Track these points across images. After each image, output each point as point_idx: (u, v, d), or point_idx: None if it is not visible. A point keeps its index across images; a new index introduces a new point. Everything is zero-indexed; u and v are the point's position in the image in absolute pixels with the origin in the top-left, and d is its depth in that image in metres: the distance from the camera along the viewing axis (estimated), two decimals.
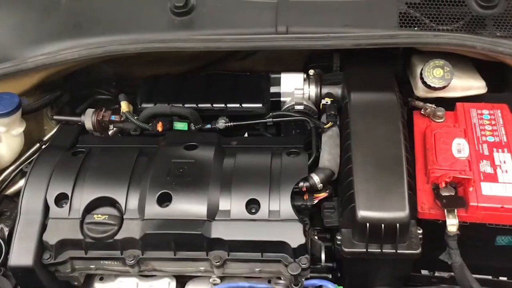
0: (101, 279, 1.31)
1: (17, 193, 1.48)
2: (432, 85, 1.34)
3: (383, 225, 1.11)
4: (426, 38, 1.34)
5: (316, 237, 1.25)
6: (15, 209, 1.41)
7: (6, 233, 1.35)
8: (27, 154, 1.52)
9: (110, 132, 1.48)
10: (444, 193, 1.18)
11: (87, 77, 1.64)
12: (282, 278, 1.22)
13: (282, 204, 1.19)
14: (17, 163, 1.51)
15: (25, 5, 1.52)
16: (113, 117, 1.45)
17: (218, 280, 1.25)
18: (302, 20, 1.38)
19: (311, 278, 1.20)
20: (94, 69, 1.59)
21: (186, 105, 1.45)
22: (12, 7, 1.52)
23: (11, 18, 1.52)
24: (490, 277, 1.33)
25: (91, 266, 1.24)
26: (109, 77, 1.68)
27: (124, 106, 1.43)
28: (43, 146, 1.52)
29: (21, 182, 1.49)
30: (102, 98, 1.68)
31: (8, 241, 1.31)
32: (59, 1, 1.50)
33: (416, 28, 1.36)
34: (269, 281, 1.24)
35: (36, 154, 1.40)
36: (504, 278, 1.34)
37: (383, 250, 1.13)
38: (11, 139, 1.45)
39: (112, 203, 1.22)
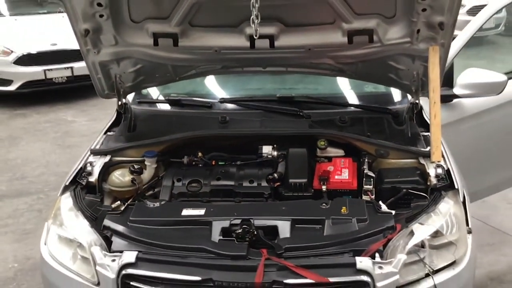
0: None
1: (150, 195, 3.44)
2: (320, 147, 3.44)
3: (298, 184, 3.13)
4: (319, 131, 3.50)
5: None
6: (150, 198, 3.41)
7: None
8: (154, 180, 3.49)
9: None
10: (321, 178, 3.20)
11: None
12: None
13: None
14: (150, 182, 3.47)
15: (159, 123, 3.73)
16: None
17: None
18: (270, 126, 3.57)
19: None
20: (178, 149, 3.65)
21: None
22: (148, 122, 3.75)
23: (150, 126, 3.72)
24: None
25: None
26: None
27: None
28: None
29: (151, 192, 3.47)
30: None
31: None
32: (172, 119, 3.73)
33: (316, 129, 3.54)
34: None
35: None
36: None
37: (304, 194, 3.12)
38: (151, 169, 3.42)
39: (198, 182, 3.22)
